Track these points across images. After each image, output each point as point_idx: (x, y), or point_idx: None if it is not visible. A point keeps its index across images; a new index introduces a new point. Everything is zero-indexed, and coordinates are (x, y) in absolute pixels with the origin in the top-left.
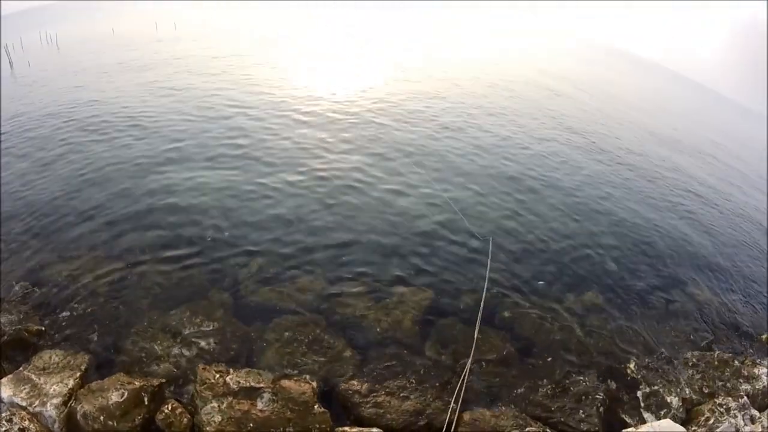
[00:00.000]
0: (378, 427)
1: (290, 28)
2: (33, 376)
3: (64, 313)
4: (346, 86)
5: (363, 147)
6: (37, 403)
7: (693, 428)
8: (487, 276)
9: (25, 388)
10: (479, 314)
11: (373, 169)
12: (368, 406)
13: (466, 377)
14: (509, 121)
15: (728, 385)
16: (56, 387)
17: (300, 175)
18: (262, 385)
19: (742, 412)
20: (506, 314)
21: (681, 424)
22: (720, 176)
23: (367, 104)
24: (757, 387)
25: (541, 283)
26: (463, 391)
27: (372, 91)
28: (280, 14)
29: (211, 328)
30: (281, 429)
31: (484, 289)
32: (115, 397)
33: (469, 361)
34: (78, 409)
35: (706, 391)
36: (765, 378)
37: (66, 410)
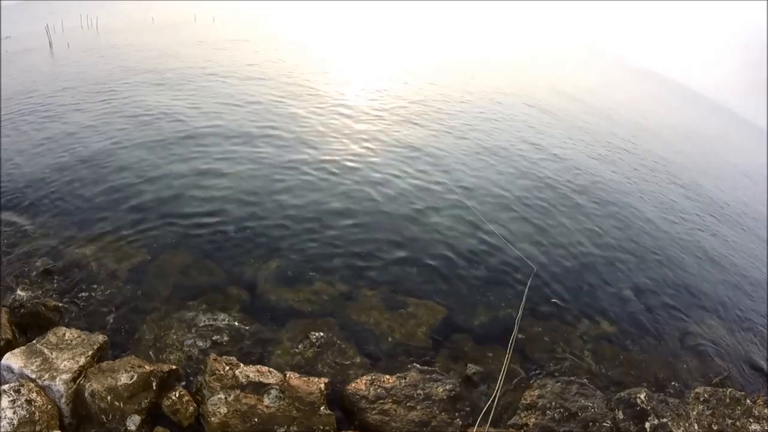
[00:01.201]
0: None
1: (315, 29)
2: (45, 350)
3: (83, 293)
4: (377, 89)
5: (394, 156)
6: (46, 376)
7: None
8: (522, 305)
9: (36, 361)
10: (512, 338)
11: (402, 180)
12: (374, 412)
13: (496, 399)
14: (536, 134)
15: (738, 423)
16: (67, 363)
17: (327, 178)
18: (270, 381)
19: None
20: (519, 335)
21: None
22: (745, 212)
23: (399, 110)
24: (767, 428)
25: (554, 300)
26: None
27: (403, 94)
28: (296, 15)
29: (226, 322)
30: (285, 427)
31: (519, 315)
32: (124, 378)
33: (500, 382)
34: (87, 387)
35: (715, 428)
36: None
37: (74, 387)
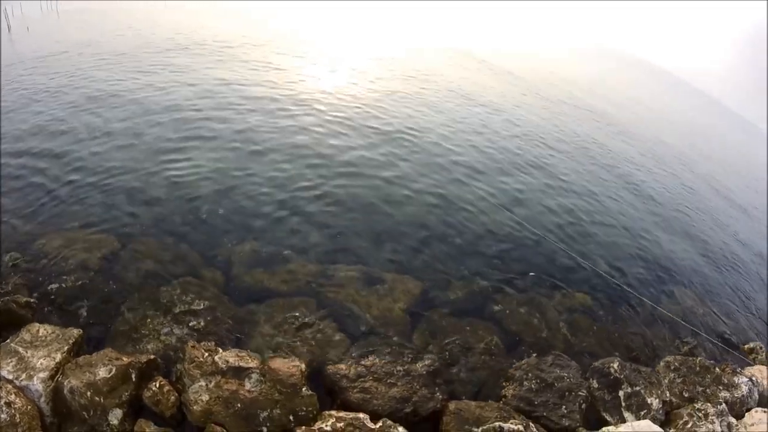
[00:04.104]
0: (364, 412)
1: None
2: (20, 349)
3: (54, 286)
4: (358, 71)
5: (368, 133)
6: (23, 376)
7: (671, 431)
8: None
9: (11, 361)
10: None
11: (372, 156)
12: (355, 391)
13: None
14: (514, 109)
15: (708, 391)
16: (43, 361)
17: (299, 158)
18: (251, 365)
19: (720, 419)
20: (496, 308)
21: (660, 426)
22: (719, 189)
23: (379, 96)
24: (735, 395)
25: (532, 274)
26: None
27: (389, 84)
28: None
29: (201, 306)
30: (269, 410)
31: None
32: (102, 372)
33: None
34: (65, 384)
35: (686, 396)
36: (744, 387)
37: (53, 385)
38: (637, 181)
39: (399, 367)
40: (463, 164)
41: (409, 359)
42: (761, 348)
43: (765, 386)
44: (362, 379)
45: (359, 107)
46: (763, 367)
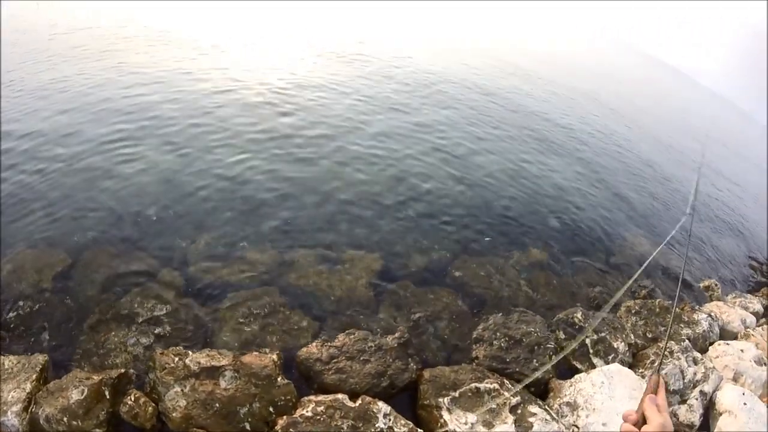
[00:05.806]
0: (342, 392)
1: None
2: None
3: (11, 315)
4: (297, 58)
5: (306, 108)
6: None
7: (640, 371)
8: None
9: None
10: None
11: (317, 132)
12: (330, 372)
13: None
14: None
15: (670, 330)
16: (14, 393)
17: (239, 141)
18: (223, 363)
19: (685, 354)
20: (456, 273)
21: (629, 368)
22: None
23: (320, 73)
24: (697, 331)
25: (487, 239)
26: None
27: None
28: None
29: (164, 311)
30: (248, 405)
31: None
32: (75, 395)
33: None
34: (39, 413)
35: (650, 336)
36: (704, 323)
37: (28, 416)
38: (581, 135)
39: (370, 343)
40: (406, 136)
41: (379, 334)
42: (716, 285)
43: (724, 320)
44: (335, 360)
45: (299, 83)
46: (721, 303)
